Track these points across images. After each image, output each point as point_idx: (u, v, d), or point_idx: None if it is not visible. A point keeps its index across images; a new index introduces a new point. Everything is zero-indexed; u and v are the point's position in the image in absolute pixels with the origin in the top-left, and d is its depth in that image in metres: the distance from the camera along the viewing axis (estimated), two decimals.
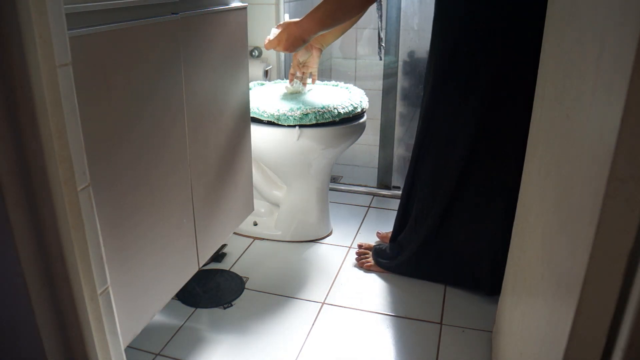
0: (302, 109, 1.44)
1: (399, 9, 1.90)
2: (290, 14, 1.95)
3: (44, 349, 0.65)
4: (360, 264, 1.55)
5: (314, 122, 1.44)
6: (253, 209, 1.51)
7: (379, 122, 2.05)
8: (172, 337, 1.26)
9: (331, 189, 2.04)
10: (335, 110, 1.46)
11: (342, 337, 1.26)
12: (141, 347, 1.21)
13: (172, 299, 1.35)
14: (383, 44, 1.44)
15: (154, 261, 1.01)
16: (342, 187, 2.11)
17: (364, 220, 1.86)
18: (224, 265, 1.57)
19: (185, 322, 1.31)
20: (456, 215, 1.35)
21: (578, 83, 0.62)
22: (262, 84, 1.76)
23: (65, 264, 0.63)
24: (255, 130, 1.48)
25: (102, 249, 0.67)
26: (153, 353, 1.20)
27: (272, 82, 1.80)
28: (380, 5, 1.71)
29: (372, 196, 2.06)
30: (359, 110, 1.52)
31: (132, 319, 0.96)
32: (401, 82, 2.04)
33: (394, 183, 2.10)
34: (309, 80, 1.66)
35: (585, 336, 0.52)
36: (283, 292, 1.44)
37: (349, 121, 1.50)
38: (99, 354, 0.68)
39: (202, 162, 1.15)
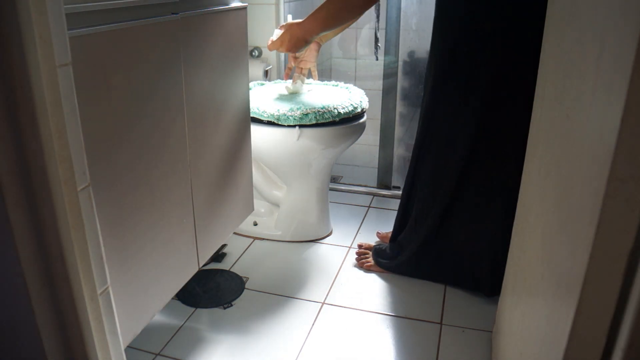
0: (302, 109, 1.44)
1: (399, 9, 1.90)
2: (292, 14, 1.95)
3: (44, 349, 0.65)
4: (360, 264, 1.55)
5: (314, 122, 1.44)
6: (253, 209, 1.51)
7: (379, 122, 2.05)
8: (172, 337, 1.26)
9: (331, 189, 2.04)
10: (335, 110, 1.46)
11: (342, 337, 1.26)
12: (141, 347, 1.21)
13: (172, 299, 1.35)
14: (379, 44, 1.44)
15: (154, 261, 1.01)
16: (342, 187, 2.11)
17: (364, 220, 1.86)
18: (224, 265, 1.57)
19: (185, 322, 1.31)
20: (456, 215, 1.35)
21: (578, 83, 0.62)
22: (262, 84, 1.76)
23: (65, 264, 0.63)
24: (255, 130, 1.48)
25: (102, 249, 0.67)
26: (153, 353, 1.20)
27: (272, 82, 1.80)
28: (378, 5, 1.71)
29: (372, 196, 2.06)
30: (359, 110, 1.52)
31: (132, 319, 0.96)
32: (401, 82, 2.04)
33: (394, 183, 2.10)
34: (310, 80, 1.66)
35: (585, 336, 0.52)
36: (283, 292, 1.44)
37: (349, 121, 1.50)
38: (99, 354, 0.68)
39: (202, 162, 1.15)
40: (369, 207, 1.97)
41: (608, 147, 0.46)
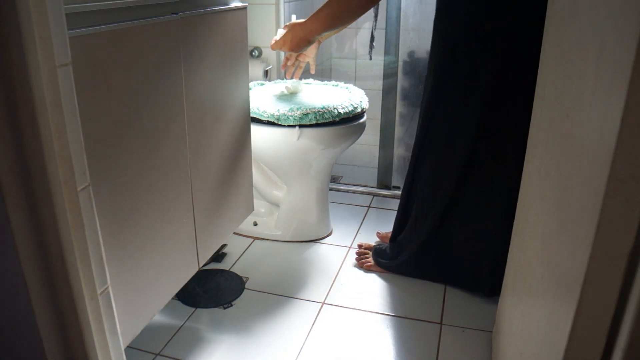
0: (302, 109, 1.44)
1: (399, 9, 1.90)
2: (291, 14, 1.95)
3: (44, 349, 0.65)
4: (360, 264, 1.55)
5: (314, 122, 1.44)
6: (253, 209, 1.51)
7: (379, 122, 2.05)
8: (172, 337, 1.26)
9: (331, 189, 2.04)
10: (335, 110, 1.46)
11: (342, 337, 1.26)
12: (141, 347, 1.21)
13: (172, 299, 1.35)
14: (374, 44, 1.45)
15: (153, 261, 1.01)
16: (342, 187, 2.11)
17: (364, 220, 1.86)
18: (224, 265, 1.57)
19: (185, 322, 1.31)
20: (456, 215, 1.35)
21: (578, 83, 0.62)
22: (262, 84, 1.76)
23: (65, 264, 0.63)
24: (255, 130, 1.48)
25: (102, 249, 0.67)
26: (153, 353, 1.20)
27: (272, 82, 1.80)
28: (377, 5, 1.70)
29: (372, 196, 2.06)
30: (359, 110, 1.52)
31: (132, 319, 0.96)
32: (401, 82, 2.04)
33: (394, 183, 2.10)
34: (310, 80, 1.66)
35: (585, 336, 0.52)
36: (283, 292, 1.44)
37: (349, 121, 1.50)
38: (99, 354, 0.68)
39: (202, 162, 1.15)
40: (369, 207, 1.97)
41: (608, 147, 0.46)
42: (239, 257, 1.61)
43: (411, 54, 2.04)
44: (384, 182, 2.11)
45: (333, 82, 1.76)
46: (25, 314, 0.63)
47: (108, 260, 0.71)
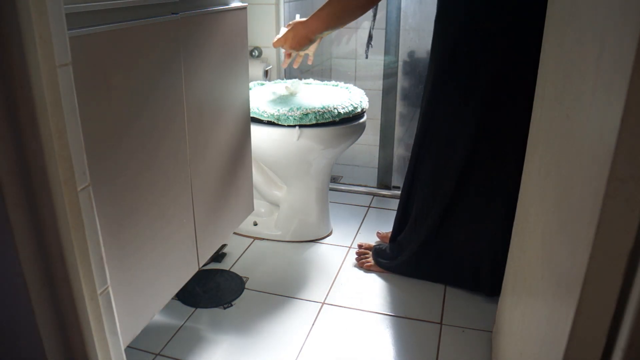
0: (302, 109, 1.44)
1: (399, 9, 1.90)
2: (292, 14, 1.95)
3: (44, 349, 0.65)
4: (360, 264, 1.55)
5: (314, 122, 1.44)
6: (253, 209, 1.51)
7: (379, 122, 2.05)
8: (172, 337, 1.26)
9: (331, 189, 2.04)
10: (335, 110, 1.46)
11: (342, 337, 1.26)
12: (141, 347, 1.21)
13: (172, 299, 1.35)
14: (372, 44, 1.45)
15: (153, 261, 1.01)
16: (342, 187, 2.11)
17: (364, 220, 1.86)
18: (224, 265, 1.57)
19: (185, 322, 1.31)
20: (456, 216, 1.35)
21: (578, 83, 0.62)
22: (262, 84, 1.76)
23: (65, 264, 0.63)
24: (255, 130, 1.48)
25: (102, 249, 0.67)
26: (153, 353, 1.20)
27: (272, 82, 1.80)
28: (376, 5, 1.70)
29: (372, 196, 2.06)
30: (359, 110, 1.52)
31: (132, 319, 0.96)
32: (401, 82, 2.03)
33: (394, 183, 2.10)
34: (310, 80, 1.66)
35: (585, 336, 0.52)
36: (283, 292, 1.44)
37: (349, 121, 1.50)
38: (99, 354, 0.68)
39: (202, 162, 1.15)
40: (369, 207, 1.97)
41: (608, 147, 0.46)
42: (239, 257, 1.61)
43: (411, 54, 2.03)
44: (384, 182, 2.11)
45: (333, 82, 1.76)
46: (25, 314, 0.63)
47: (108, 260, 0.71)
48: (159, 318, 1.32)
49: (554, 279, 0.64)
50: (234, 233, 1.73)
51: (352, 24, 2.26)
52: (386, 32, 1.94)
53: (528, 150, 0.99)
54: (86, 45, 0.75)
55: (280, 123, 1.45)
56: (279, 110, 1.45)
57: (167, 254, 1.05)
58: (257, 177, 1.66)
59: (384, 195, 2.06)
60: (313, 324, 1.31)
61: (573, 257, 0.55)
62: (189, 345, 1.23)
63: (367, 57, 1.53)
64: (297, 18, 1.43)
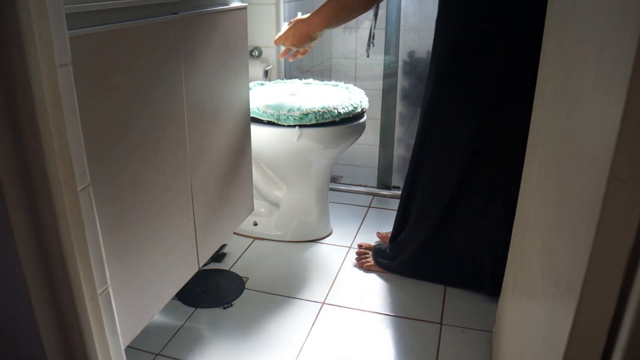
0: (302, 109, 1.44)
1: (399, 9, 1.90)
2: (292, 14, 1.95)
3: (44, 349, 0.65)
4: (360, 264, 1.55)
5: (314, 122, 1.44)
6: (253, 209, 1.51)
7: (379, 122, 2.05)
8: (172, 337, 1.26)
9: (331, 189, 2.04)
10: (335, 110, 1.46)
11: (342, 337, 1.26)
12: (141, 347, 1.21)
13: (172, 299, 1.35)
14: (373, 42, 1.45)
15: (153, 261, 1.01)
16: (342, 187, 2.11)
17: (364, 220, 1.86)
18: (224, 265, 1.57)
19: (185, 322, 1.31)
20: (456, 216, 1.35)
21: (578, 83, 0.62)
22: (262, 84, 1.76)
23: (65, 264, 0.63)
24: (255, 130, 1.48)
25: (102, 249, 0.67)
26: (153, 353, 1.20)
27: (272, 82, 1.80)
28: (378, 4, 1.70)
29: (372, 196, 2.06)
30: (359, 110, 1.52)
31: (132, 319, 0.96)
32: (401, 82, 2.03)
33: (394, 183, 2.10)
34: (310, 80, 1.66)
35: (585, 336, 0.52)
36: (283, 292, 1.44)
37: (349, 121, 1.50)
38: (99, 354, 0.68)
39: (202, 162, 1.15)
40: (369, 207, 1.97)
41: (608, 147, 0.46)
42: (239, 257, 1.61)
43: (411, 54, 2.03)
44: (384, 182, 2.11)
45: (333, 82, 1.76)
46: (25, 314, 0.63)
47: (108, 260, 0.71)
48: (159, 318, 1.32)
49: (554, 279, 0.64)
50: (234, 233, 1.73)
51: (352, 23, 2.26)
52: (386, 32, 1.94)
53: (528, 150, 0.99)
54: (86, 45, 0.75)
55: (280, 123, 1.45)
56: (279, 110, 1.45)
57: (167, 254, 1.05)
58: (257, 177, 1.66)
59: (384, 195, 2.06)
60: (313, 324, 1.31)
61: (573, 257, 0.55)
62: (189, 345, 1.23)
63: (368, 56, 1.54)
64: (299, 15, 1.44)
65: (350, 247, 1.67)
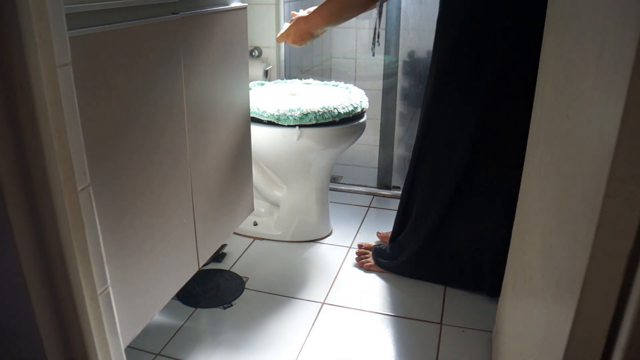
0: (302, 109, 1.44)
1: (399, 9, 1.90)
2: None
3: (44, 349, 0.65)
4: (360, 264, 1.55)
5: (314, 122, 1.44)
6: (253, 209, 1.51)
7: (379, 122, 2.05)
8: (172, 337, 1.26)
9: (331, 189, 2.04)
10: (335, 110, 1.46)
11: (342, 337, 1.26)
12: (141, 347, 1.21)
13: (172, 299, 1.35)
14: (379, 41, 1.45)
15: (153, 261, 1.01)
16: (342, 187, 2.11)
17: (364, 220, 1.86)
18: (224, 265, 1.57)
19: (185, 322, 1.31)
20: (456, 216, 1.35)
21: (578, 83, 0.62)
22: (262, 84, 1.76)
23: (65, 264, 0.63)
24: (255, 130, 1.48)
25: (102, 249, 0.67)
26: (153, 353, 1.20)
27: (272, 82, 1.80)
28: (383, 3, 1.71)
29: (372, 196, 2.06)
30: (359, 110, 1.52)
31: (132, 319, 0.96)
32: (401, 82, 2.03)
33: (394, 183, 2.10)
34: (310, 80, 1.66)
35: (585, 336, 0.52)
36: (283, 292, 1.44)
37: (349, 121, 1.50)
38: (99, 354, 0.68)
39: (202, 162, 1.15)
40: (369, 207, 1.97)
41: (608, 147, 0.46)
42: (239, 257, 1.61)
43: (411, 54, 2.03)
44: (384, 182, 2.11)
45: (333, 82, 1.76)
46: (25, 314, 0.63)
47: (108, 260, 0.71)
48: (159, 318, 1.32)
49: (554, 279, 0.64)
50: (234, 233, 1.73)
51: (352, 23, 2.26)
52: (386, 32, 1.94)
53: (528, 150, 0.99)
54: (86, 45, 0.75)
55: (280, 123, 1.45)
56: (279, 110, 1.45)
57: (167, 254, 1.05)
58: (257, 177, 1.66)
59: (384, 195, 2.06)
60: (313, 324, 1.31)
61: (573, 257, 0.55)
62: (189, 345, 1.23)
63: (373, 55, 1.54)
64: (300, 12, 1.44)
65: (350, 247, 1.67)
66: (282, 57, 1.96)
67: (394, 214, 1.54)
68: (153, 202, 0.98)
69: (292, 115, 1.43)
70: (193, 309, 1.36)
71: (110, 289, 0.70)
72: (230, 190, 1.32)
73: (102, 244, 0.67)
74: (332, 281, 1.49)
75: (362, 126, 1.55)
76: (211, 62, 1.13)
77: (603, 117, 0.50)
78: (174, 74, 1.00)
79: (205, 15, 1.08)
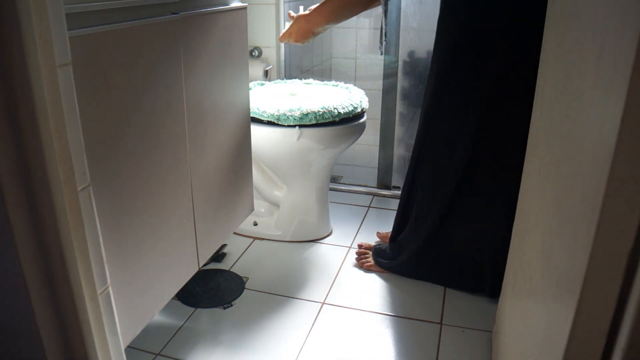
0: (302, 109, 1.44)
1: (399, 9, 1.90)
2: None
3: (44, 349, 0.65)
4: (360, 264, 1.55)
5: (314, 122, 1.44)
6: (253, 209, 1.51)
7: (379, 122, 2.05)
8: (172, 337, 1.26)
9: (331, 189, 2.04)
10: (335, 110, 1.46)
11: (342, 337, 1.26)
12: (141, 347, 1.21)
13: (172, 299, 1.35)
14: (386, 39, 1.46)
15: (153, 261, 1.01)
16: (342, 187, 2.11)
17: (364, 220, 1.86)
18: (224, 265, 1.57)
19: (185, 322, 1.31)
20: (456, 216, 1.35)
21: (578, 83, 0.62)
22: (262, 84, 1.76)
23: (65, 264, 0.63)
24: (255, 130, 1.48)
25: (102, 249, 0.67)
26: (153, 353, 1.20)
27: (272, 82, 1.80)
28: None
29: (372, 196, 2.06)
30: (359, 110, 1.52)
31: (132, 319, 0.96)
32: (401, 82, 2.03)
33: (394, 183, 2.10)
34: (310, 80, 1.66)
35: (585, 336, 0.52)
36: (283, 292, 1.44)
37: (349, 121, 1.50)
38: (99, 354, 0.68)
39: (202, 162, 1.15)
40: (369, 207, 1.97)
41: (608, 147, 0.46)
42: (239, 257, 1.61)
43: (411, 54, 2.03)
44: (384, 182, 2.11)
45: (333, 82, 1.76)
46: (25, 314, 0.63)
47: (108, 260, 0.71)
48: (159, 318, 1.32)
49: (554, 279, 0.64)
50: (234, 233, 1.73)
51: (352, 23, 2.26)
52: (386, 32, 1.94)
53: (528, 150, 0.99)
54: (86, 45, 0.75)
55: (280, 123, 1.45)
56: (279, 110, 1.45)
57: (167, 254, 1.05)
58: (257, 177, 1.66)
59: (384, 195, 2.06)
60: (313, 324, 1.31)
61: (573, 257, 0.55)
62: (189, 345, 1.23)
63: (381, 54, 1.55)
64: (301, 10, 1.45)
65: (350, 247, 1.67)
66: (282, 57, 1.96)
67: (394, 214, 1.54)
68: (153, 202, 0.98)
69: (292, 115, 1.43)
70: (193, 309, 1.36)
71: (110, 289, 0.70)
72: (230, 190, 1.32)
73: (102, 244, 0.67)
74: (332, 281, 1.49)
75: (362, 126, 1.56)
76: (211, 62, 1.13)
77: (603, 117, 0.50)
78: (174, 74, 1.00)
79: (205, 15, 1.08)
